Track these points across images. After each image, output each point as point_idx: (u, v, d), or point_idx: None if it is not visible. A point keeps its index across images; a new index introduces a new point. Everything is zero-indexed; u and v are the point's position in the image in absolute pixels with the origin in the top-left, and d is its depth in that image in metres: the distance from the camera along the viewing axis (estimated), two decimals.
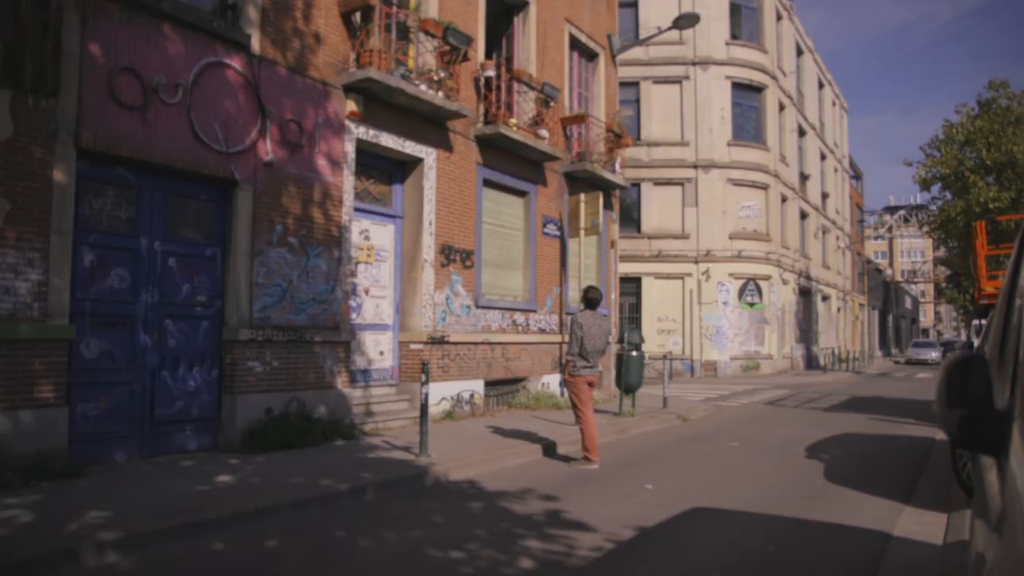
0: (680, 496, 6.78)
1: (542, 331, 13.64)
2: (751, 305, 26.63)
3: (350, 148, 9.75)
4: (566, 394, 13.74)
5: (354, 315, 10.04)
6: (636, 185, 25.60)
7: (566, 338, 13.98)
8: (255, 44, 8.54)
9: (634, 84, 26.29)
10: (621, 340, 12.49)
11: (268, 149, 8.61)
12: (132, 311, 7.55)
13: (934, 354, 43.98)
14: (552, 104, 13.51)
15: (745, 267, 26.47)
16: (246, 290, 8.34)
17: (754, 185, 27.18)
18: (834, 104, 40.71)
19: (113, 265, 7.41)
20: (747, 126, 27.56)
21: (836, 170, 40.25)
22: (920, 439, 10.88)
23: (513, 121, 12.38)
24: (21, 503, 5.52)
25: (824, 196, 36.83)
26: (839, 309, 39.75)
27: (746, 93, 27.51)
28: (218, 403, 8.25)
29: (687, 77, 26.57)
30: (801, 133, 33.04)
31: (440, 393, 10.89)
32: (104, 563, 4.59)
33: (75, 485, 6.22)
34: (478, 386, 11.86)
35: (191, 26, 7.86)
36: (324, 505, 6.09)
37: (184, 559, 4.74)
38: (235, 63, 8.32)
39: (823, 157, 37.28)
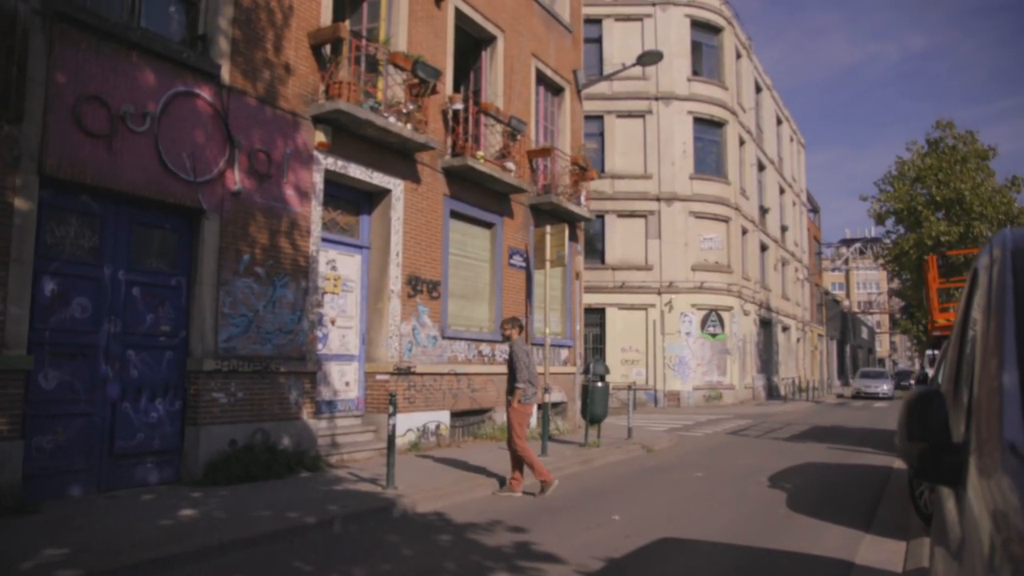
0: (647, 526, 6.83)
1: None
2: (713, 336, 26.98)
3: (318, 179, 9.77)
4: (531, 424, 13.81)
5: (320, 346, 9.98)
6: (600, 217, 25.92)
7: None
8: (225, 74, 8.55)
9: (598, 118, 26.74)
10: (587, 371, 12.57)
11: (236, 179, 8.59)
12: (94, 341, 7.41)
13: (885, 387, 36.77)
14: (519, 137, 13.69)
15: (707, 298, 26.86)
16: (211, 320, 8.25)
17: (715, 218, 27.70)
18: (791, 139, 41.81)
19: (75, 294, 7.29)
20: (708, 160, 28.14)
21: (794, 203, 41.22)
22: (878, 467, 11.10)
23: (480, 154, 12.51)
24: None
25: (783, 229, 37.65)
26: (799, 339, 40.45)
27: (707, 128, 28.14)
28: (181, 435, 8.11)
29: (650, 111, 27.10)
30: (760, 167, 33.82)
31: (406, 424, 10.83)
32: None
33: (28, 521, 6.05)
34: (444, 417, 11.82)
35: (160, 55, 7.85)
36: (290, 539, 6.01)
37: None
38: (204, 93, 8.32)
39: (782, 191, 38.18)
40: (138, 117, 7.60)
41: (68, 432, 7.14)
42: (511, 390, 8.47)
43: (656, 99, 27.07)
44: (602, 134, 27.09)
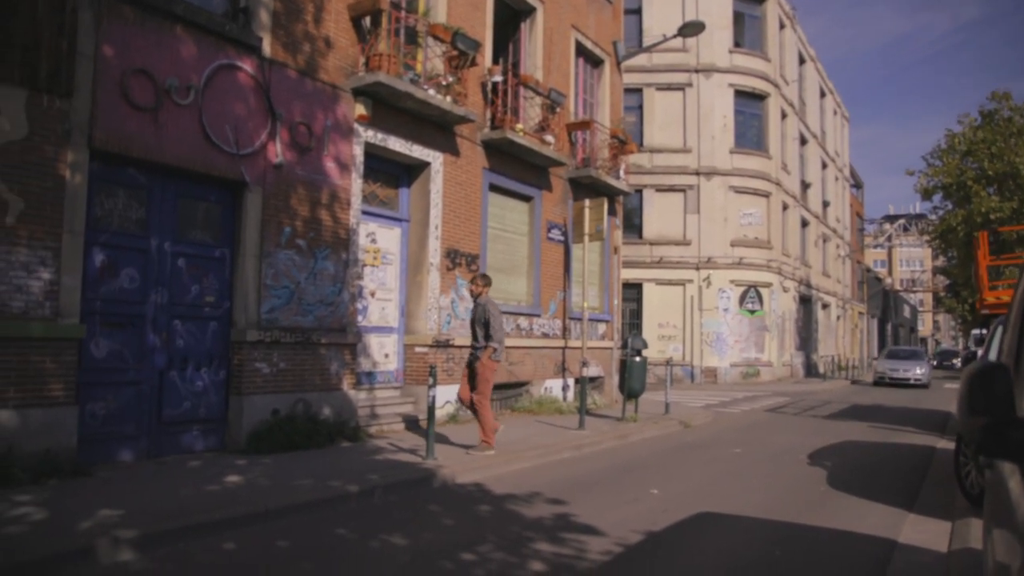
0: (685, 501, 6.82)
1: (545, 336, 13.68)
2: (751, 312, 26.69)
3: (358, 151, 9.80)
4: (568, 398, 13.86)
5: (360, 318, 10.08)
6: (638, 191, 25.68)
7: (570, 343, 14.07)
8: (266, 47, 8.59)
9: (637, 91, 26.39)
10: (624, 346, 12.52)
11: (278, 151, 8.66)
12: (141, 311, 7.58)
13: (919, 370, 26.98)
14: (558, 110, 13.57)
15: (746, 274, 26.53)
16: (254, 291, 8.38)
17: (756, 193, 27.26)
18: (835, 113, 40.85)
19: (123, 265, 7.44)
20: (749, 134, 27.65)
21: (837, 178, 40.38)
22: (921, 447, 10.93)
23: (519, 126, 12.44)
24: (33, 500, 5.55)
25: (825, 204, 36.94)
26: (839, 317, 39.83)
27: (748, 101, 27.61)
28: (225, 404, 8.28)
29: (690, 84, 26.66)
30: (803, 141, 33.14)
31: (445, 396, 10.91)
32: (118, 561, 4.62)
33: (84, 484, 6.25)
34: None
35: (203, 28, 7.91)
36: (333, 507, 6.12)
37: (196, 559, 4.76)
38: (246, 66, 8.37)
39: (824, 165, 37.40)
40: (183, 90, 7.68)
41: (119, 399, 7.33)
42: (483, 346, 8.51)
43: (696, 71, 26.60)
44: (641, 107, 26.74)
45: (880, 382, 27.51)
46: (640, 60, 24.55)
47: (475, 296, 8.84)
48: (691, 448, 10.46)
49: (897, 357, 29.18)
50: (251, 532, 5.34)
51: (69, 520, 5.06)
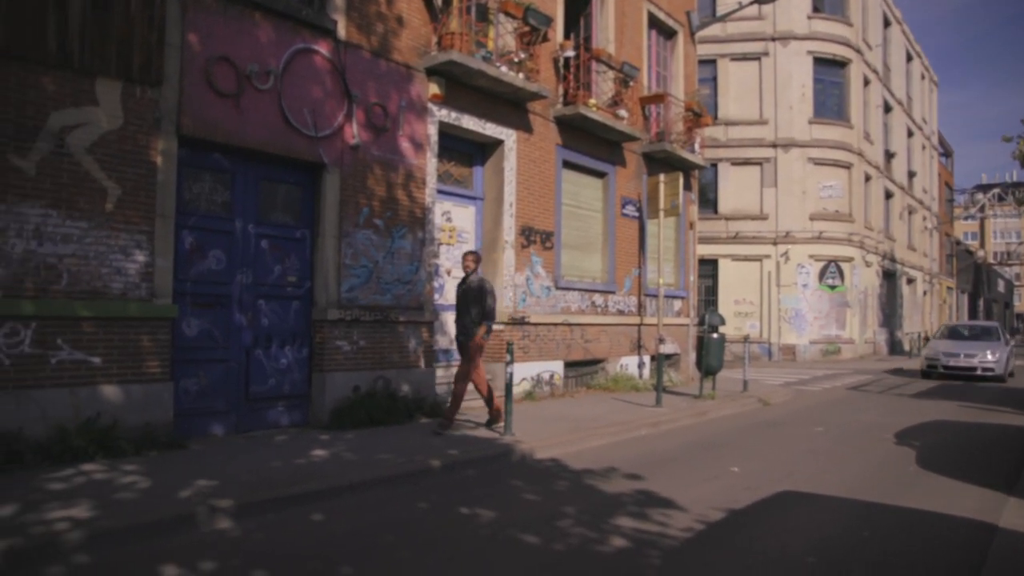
0: (767, 479, 6.70)
1: (620, 312, 13.58)
2: (832, 288, 25.87)
3: (433, 130, 9.87)
4: (644, 376, 13.76)
5: (437, 296, 10.21)
6: (713, 165, 25.11)
7: (646, 320, 13.95)
8: (341, 29, 8.70)
9: (711, 62, 25.73)
10: (701, 322, 12.33)
11: (354, 132, 8.79)
12: (228, 291, 7.85)
13: (991, 356, 18.54)
14: (631, 83, 13.35)
15: (826, 248, 25.70)
16: (334, 271, 8.57)
17: (836, 164, 26.30)
18: (923, 77, 38.93)
19: (210, 247, 7.72)
20: (829, 103, 26.63)
21: (924, 147, 38.57)
22: (1018, 428, 10.43)
23: (592, 101, 12.30)
24: (137, 470, 5.86)
25: (911, 174, 35.37)
26: (925, 292, 38.25)
27: (828, 68, 26.57)
28: (308, 381, 8.52)
29: (766, 53, 25.82)
30: (887, 109, 31.74)
31: (521, 373, 10.99)
32: (215, 529, 4.84)
33: (181, 456, 6.56)
34: (557, 367, 11.92)
35: (281, 14, 8.06)
36: (414, 481, 6.25)
37: (287, 528, 4.94)
38: (322, 49, 8.51)
39: (910, 133, 35.76)
40: (263, 75, 7.87)
41: (209, 376, 7.64)
42: (475, 323, 8.29)
43: (773, 40, 25.73)
44: (715, 79, 26.06)
45: (931, 372, 19.06)
46: (714, 30, 23.93)
47: (468, 273, 8.53)
48: (771, 426, 10.25)
49: (959, 336, 20.62)
50: (337, 504, 5.50)
51: (170, 489, 5.32)
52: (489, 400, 8.44)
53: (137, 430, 6.63)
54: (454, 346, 10.60)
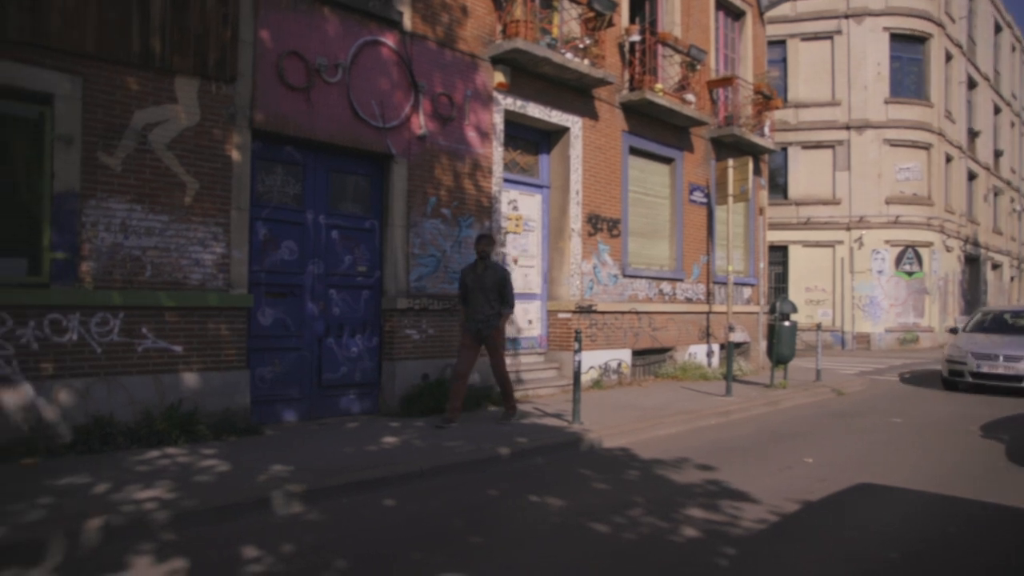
0: (842, 471, 6.51)
1: (689, 300, 13.39)
2: (909, 274, 24.92)
3: (498, 119, 9.89)
4: (714, 364, 13.55)
5: None
6: (783, 149, 24.45)
7: (714, 308, 13.73)
8: (407, 21, 8.78)
9: (780, 43, 25.00)
10: (772, 310, 12.06)
11: (421, 123, 8.87)
12: (300, 281, 8.05)
13: None
14: (698, 67, 13.09)
15: (902, 233, 24.75)
16: (403, 260, 8.68)
17: (914, 145, 25.26)
18: (1013, 49, 36.89)
19: (283, 238, 7.92)
20: (907, 81, 25.56)
21: (1013, 124, 36.67)
22: None
23: (659, 86, 12.11)
24: (216, 454, 6.08)
25: (997, 154, 33.70)
26: (1012, 278, 36.49)
27: (906, 45, 25.48)
28: (378, 369, 8.67)
29: (839, 31, 24.93)
30: (971, 85, 30.28)
31: (588, 362, 10.96)
32: (291, 512, 4.98)
33: (257, 441, 6.77)
34: (625, 355, 11.83)
35: (348, 8, 8.18)
36: (484, 468, 6.31)
37: (360, 513, 5.05)
38: (389, 40, 8.60)
39: (997, 110, 34.03)
40: (331, 68, 8.00)
41: (283, 364, 7.86)
42: (497, 312, 7.94)
43: (846, 17, 24.82)
44: (784, 60, 25.31)
45: (956, 383, 13.13)
46: (783, 10, 23.24)
47: (484, 257, 8.01)
48: (846, 416, 9.96)
49: (1002, 328, 13.95)
50: (408, 490, 5.59)
51: (247, 473, 5.50)
52: (507, 392, 8.22)
53: (216, 416, 6.88)
54: (521, 335, 10.65)
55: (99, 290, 6.33)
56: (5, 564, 3.93)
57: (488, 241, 8.06)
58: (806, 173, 25.27)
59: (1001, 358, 12.36)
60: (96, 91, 6.35)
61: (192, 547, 4.28)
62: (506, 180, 10.32)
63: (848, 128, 24.79)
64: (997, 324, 14.23)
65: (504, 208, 10.29)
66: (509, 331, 10.39)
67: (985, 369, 12.46)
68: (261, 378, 7.66)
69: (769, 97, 15.19)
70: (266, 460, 5.96)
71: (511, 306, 8.08)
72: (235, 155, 7.21)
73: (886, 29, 24.89)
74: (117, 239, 6.45)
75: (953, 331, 14.96)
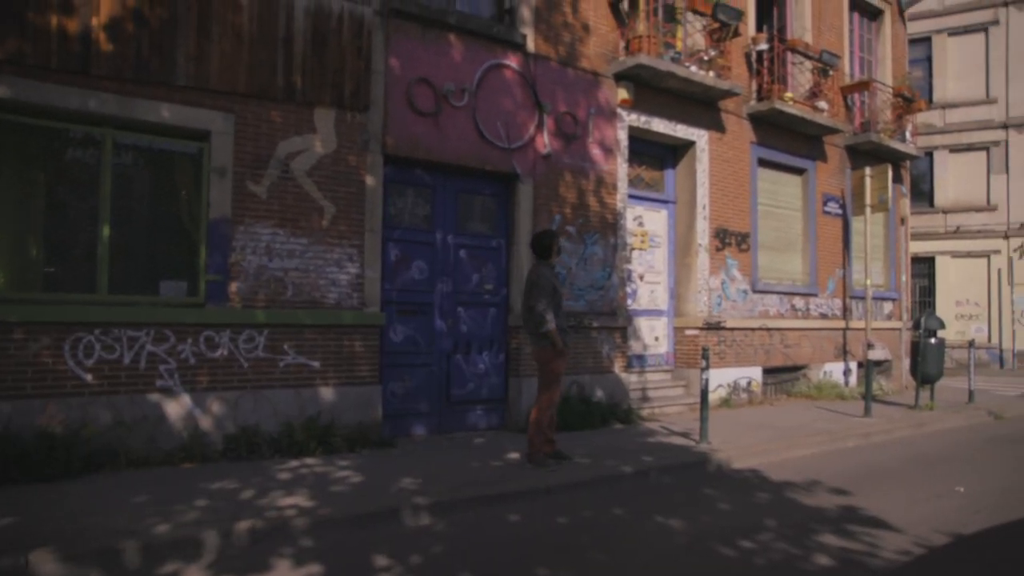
0: (1003, 502, 6.02)
1: (823, 316, 12.80)
2: None
3: (622, 135, 9.88)
4: (851, 383, 12.86)
5: (629, 301, 10.18)
6: (928, 154, 22.93)
7: (852, 324, 13.07)
8: (530, 42, 8.95)
9: (924, 40, 23.52)
10: (916, 326, 11.33)
11: (545, 142, 9.00)
12: (430, 299, 8.32)
13: None
14: (831, 72, 12.56)
15: None
16: None
17: None
18: None
19: (413, 258, 8.23)
20: None
21: None
22: None
23: (788, 95, 11.72)
24: (351, 466, 6.38)
25: None
26: None
27: None
28: (504, 385, 8.82)
29: (995, 22, 23.14)
30: None
31: (717, 380, 10.69)
32: (419, 524, 5.16)
33: (389, 454, 7.05)
34: (755, 373, 11.45)
35: (473, 33, 8.45)
36: (609, 486, 6.28)
37: (485, 527, 5.15)
38: (512, 63, 8.80)
39: None
40: (458, 93, 8.27)
41: (414, 380, 8.14)
42: (546, 328, 6.59)
43: (1004, 4, 22.96)
44: (929, 59, 23.78)
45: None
46: (928, 3, 21.85)
47: (544, 258, 6.83)
48: (1004, 442, 9.20)
49: None
50: (533, 507, 5.66)
51: (379, 484, 5.74)
52: (550, 429, 6.81)
53: (350, 428, 7.22)
54: (647, 352, 10.53)
55: (246, 309, 6.83)
56: (169, 558, 4.30)
57: (553, 236, 6.85)
58: (955, 178, 23.58)
59: None
60: (245, 126, 6.89)
61: (327, 553, 4.51)
62: (631, 196, 10.27)
63: (1006, 127, 22.94)
64: None
65: (629, 224, 10.24)
66: (635, 348, 10.30)
67: None
68: (392, 393, 7.97)
69: (911, 99, 14.34)
70: (397, 472, 6.20)
71: (552, 320, 6.65)
72: (368, 179, 7.58)
73: None
74: (262, 261, 6.94)
75: None
